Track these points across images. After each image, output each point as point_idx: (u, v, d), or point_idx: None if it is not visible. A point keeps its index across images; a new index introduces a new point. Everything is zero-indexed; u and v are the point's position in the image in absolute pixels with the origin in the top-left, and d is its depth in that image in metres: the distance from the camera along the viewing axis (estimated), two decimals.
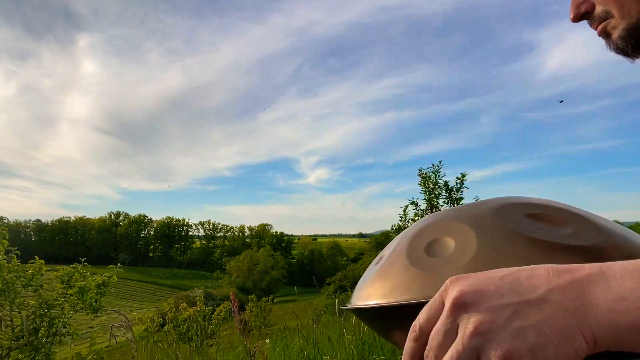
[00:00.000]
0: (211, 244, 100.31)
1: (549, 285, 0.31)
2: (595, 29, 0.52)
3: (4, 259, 4.02)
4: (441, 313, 0.34)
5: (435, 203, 9.23)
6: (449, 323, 0.33)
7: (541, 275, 0.32)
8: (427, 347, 0.34)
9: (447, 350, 0.32)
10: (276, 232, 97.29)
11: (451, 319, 0.32)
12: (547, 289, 0.31)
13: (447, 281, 0.34)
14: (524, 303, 0.31)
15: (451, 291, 0.33)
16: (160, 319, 8.54)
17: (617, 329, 0.29)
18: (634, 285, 0.29)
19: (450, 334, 0.32)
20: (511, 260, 0.44)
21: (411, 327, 0.36)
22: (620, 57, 0.52)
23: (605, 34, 0.51)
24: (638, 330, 0.28)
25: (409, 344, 0.36)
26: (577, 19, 0.53)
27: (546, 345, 0.29)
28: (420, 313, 0.35)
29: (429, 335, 0.34)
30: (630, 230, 0.50)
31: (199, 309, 7.91)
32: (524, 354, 0.29)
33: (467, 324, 0.31)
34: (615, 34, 0.50)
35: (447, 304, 0.33)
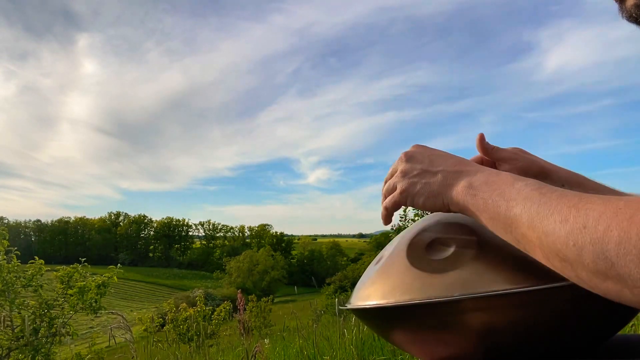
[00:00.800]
0: (211, 244, 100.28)
1: (445, 167, 0.50)
2: None
3: (4, 259, 4.02)
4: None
5: None
6: (395, 165, 0.56)
7: (448, 161, 0.51)
8: (385, 179, 0.58)
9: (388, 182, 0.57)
10: (276, 232, 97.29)
11: (397, 163, 0.56)
12: (442, 169, 0.50)
13: (413, 145, 0.57)
14: (426, 171, 0.51)
15: (408, 150, 0.56)
16: (160, 319, 8.54)
17: (458, 204, 0.48)
18: (481, 181, 0.46)
19: (395, 167, 0.56)
20: (512, 260, 0.45)
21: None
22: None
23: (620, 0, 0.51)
24: (465, 209, 0.47)
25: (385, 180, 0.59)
26: None
27: (421, 195, 0.51)
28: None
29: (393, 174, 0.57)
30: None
31: (199, 309, 7.91)
32: (409, 195, 0.52)
33: (400, 166, 0.54)
34: (630, 1, 0.49)
35: (402, 154, 0.56)
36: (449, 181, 0.49)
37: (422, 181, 0.51)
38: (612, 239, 0.32)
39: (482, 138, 0.63)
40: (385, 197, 0.57)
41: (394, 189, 0.54)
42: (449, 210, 0.49)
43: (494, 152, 0.63)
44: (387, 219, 0.56)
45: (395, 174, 0.55)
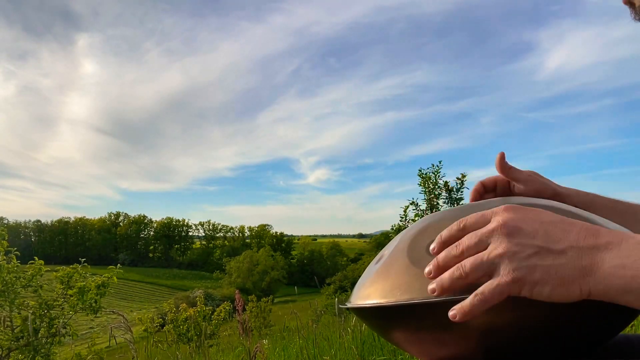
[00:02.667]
0: (211, 245, 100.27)
1: (572, 243, 0.38)
2: None
3: (4, 260, 4.01)
4: (484, 226, 0.43)
5: (435, 203, 9.23)
6: (485, 236, 0.42)
7: (571, 233, 0.39)
8: (461, 241, 0.44)
9: (472, 254, 0.42)
10: (276, 232, 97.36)
11: (488, 235, 0.42)
12: (569, 245, 0.38)
13: (503, 207, 0.43)
14: (546, 249, 0.39)
15: (501, 215, 0.42)
16: (160, 319, 8.53)
17: (610, 289, 0.36)
18: (637, 257, 0.36)
19: (482, 244, 0.42)
20: None
21: (459, 220, 0.45)
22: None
23: (629, 2, 0.52)
24: (624, 293, 0.36)
25: (451, 229, 0.46)
26: None
27: (546, 283, 0.38)
28: (473, 215, 0.45)
29: (467, 232, 0.44)
30: (626, 229, 0.50)
31: (199, 309, 7.91)
32: (526, 284, 0.39)
33: (498, 246, 0.40)
34: (638, 2, 0.50)
35: (493, 223, 0.42)
36: (586, 261, 0.37)
37: (544, 264, 0.38)
38: None
39: (502, 157, 0.62)
40: (466, 278, 0.42)
41: (488, 268, 0.41)
42: (587, 298, 0.38)
43: (511, 172, 0.63)
44: (477, 311, 0.40)
45: (490, 249, 0.41)
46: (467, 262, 0.42)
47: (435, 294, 0.43)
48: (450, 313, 0.41)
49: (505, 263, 0.39)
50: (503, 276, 0.39)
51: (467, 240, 0.43)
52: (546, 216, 0.41)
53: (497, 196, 0.66)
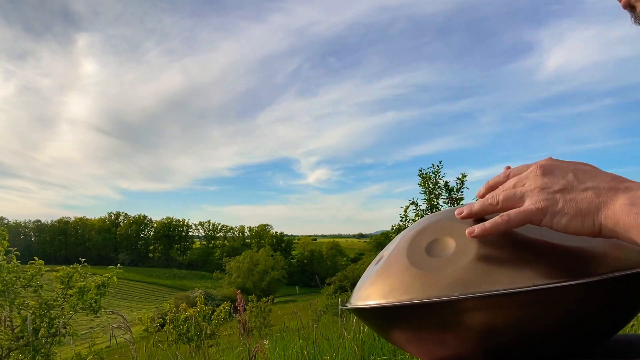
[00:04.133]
0: (211, 245, 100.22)
1: (595, 184, 0.43)
2: (620, 1, 0.52)
3: (4, 260, 4.01)
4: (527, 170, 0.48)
5: (435, 203, 9.23)
6: (524, 177, 0.47)
7: (598, 177, 0.44)
8: (503, 185, 0.49)
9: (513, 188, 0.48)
10: (276, 232, 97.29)
11: (525, 176, 0.47)
12: (592, 185, 0.43)
13: (547, 158, 0.48)
14: (571, 186, 0.44)
15: (540, 161, 0.48)
16: (160, 319, 8.53)
17: (618, 224, 0.40)
18: None
19: (520, 182, 0.47)
20: (512, 260, 0.45)
21: (503, 171, 0.52)
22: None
23: (630, 7, 0.52)
24: (630, 229, 0.39)
25: (498, 176, 0.51)
26: None
27: (565, 214, 0.43)
28: (516, 167, 0.50)
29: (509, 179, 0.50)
30: None
31: (199, 309, 7.91)
32: (548, 213, 0.44)
33: (532, 182, 0.46)
34: (639, 7, 0.50)
35: (531, 166, 0.48)
36: (602, 199, 0.42)
37: (567, 197, 0.43)
38: None
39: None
40: (497, 205, 0.47)
41: (519, 199, 0.46)
42: (598, 233, 0.42)
43: None
44: (497, 230, 0.46)
45: (525, 185, 0.47)
46: (502, 193, 0.48)
47: (461, 215, 0.50)
48: (469, 229, 0.47)
49: (534, 194, 0.45)
50: (530, 204, 0.45)
51: (509, 182, 0.49)
52: (580, 165, 0.47)
53: None
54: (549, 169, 0.46)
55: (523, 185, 0.47)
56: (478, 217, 0.49)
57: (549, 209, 0.43)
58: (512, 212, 0.45)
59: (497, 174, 0.64)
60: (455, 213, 0.51)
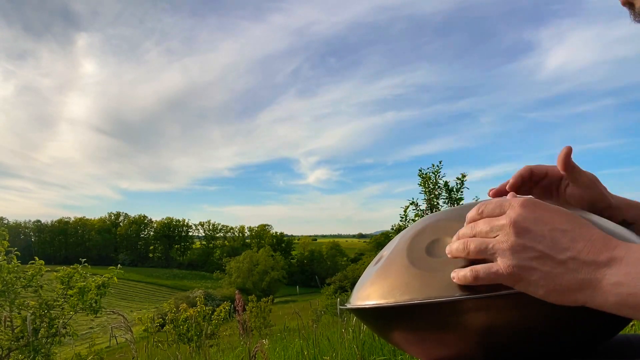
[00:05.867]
0: (211, 245, 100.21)
1: (574, 255, 0.39)
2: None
3: (4, 260, 4.01)
4: (499, 215, 0.44)
5: (435, 203, 9.23)
6: (496, 228, 0.43)
7: (578, 243, 0.40)
8: (476, 224, 0.46)
9: (481, 236, 0.44)
10: (276, 232, 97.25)
11: (498, 226, 0.43)
12: (571, 256, 0.39)
13: (521, 200, 0.43)
14: (548, 255, 0.40)
15: (515, 211, 0.43)
16: (160, 319, 8.53)
17: (605, 304, 0.38)
18: (636, 274, 0.36)
19: (492, 233, 0.43)
20: None
21: (479, 205, 0.47)
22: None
23: (628, 4, 0.52)
24: (620, 308, 0.37)
25: (472, 212, 0.47)
26: None
27: (541, 286, 0.40)
28: (492, 202, 0.46)
29: (482, 218, 0.46)
30: (628, 230, 0.50)
31: (199, 309, 7.91)
32: (522, 281, 0.40)
33: (505, 241, 0.42)
34: (638, 4, 0.50)
35: (505, 219, 0.43)
36: (584, 275, 0.38)
37: (543, 269, 0.39)
38: None
39: (569, 152, 0.55)
40: (468, 255, 0.45)
41: (492, 255, 0.43)
42: (580, 306, 0.40)
43: (574, 172, 0.56)
44: (466, 283, 0.43)
45: (497, 237, 0.43)
46: (473, 243, 0.44)
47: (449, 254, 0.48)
48: (454, 274, 0.45)
49: (507, 257, 0.41)
50: (501, 267, 0.41)
51: (481, 225, 0.45)
52: (559, 221, 0.41)
53: (539, 191, 0.60)
54: (524, 228, 0.41)
55: (495, 237, 0.43)
56: (476, 281, 0.44)
57: (522, 277, 0.40)
58: (481, 271, 0.42)
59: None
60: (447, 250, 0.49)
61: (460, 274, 0.43)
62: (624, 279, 0.37)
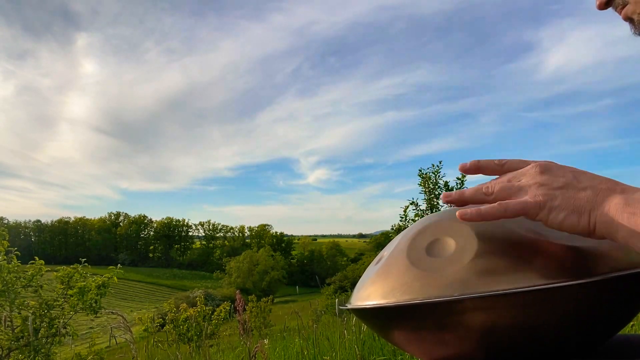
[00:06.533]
0: (211, 245, 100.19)
1: (595, 185, 0.44)
2: (620, 14, 0.53)
3: (4, 260, 4.02)
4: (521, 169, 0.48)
5: (435, 203, 9.23)
6: (520, 174, 0.47)
7: (596, 179, 0.44)
8: (503, 176, 0.49)
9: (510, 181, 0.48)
10: (276, 232, 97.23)
11: (522, 172, 0.47)
12: (591, 185, 0.44)
13: (545, 161, 0.48)
14: (570, 185, 0.44)
15: (541, 161, 0.48)
16: (160, 319, 8.53)
17: (611, 224, 0.41)
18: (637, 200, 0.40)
19: (516, 178, 0.48)
20: (512, 260, 0.44)
21: (501, 159, 0.51)
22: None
23: (629, 19, 0.53)
24: (621, 228, 0.40)
25: (491, 160, 0.51)
26: (602, 6, 0.54)
27: (562, 210, 0.43)
28: (514, 160, 0.50)
29: (506, 170, 0.50)
30: None
31: (199, 309, 7.91)
32: (546, 208, 0.44)
33: (530, 179, 0.46)
34: (637, 18, 0.51)
35: (529, 165, 0.48)
36: (599, 198, 0.42)
37: (565, 194, 0.44)
38: None
39: (464, 169, 0.53)
40: (492, 195, 0.47)
41: (516, 192, 0.46)
42: (591, 232, 0.43)
43: None
44: (491, 216, 0.45)
45: (522, 180, 0.47)
46: (497, 184, 0.48)
47: (449, 198, 0.50)
48: (461, 211, 0.46)
49: (533, 189, 0.45)
50: (529, 197, 0.45)
51: (502, 177, 0.48)
52: (578, 169, 0.47)
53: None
54: (548, 167, 0.46)
55: (520, 181, 0.47)
56: (467, 204, 0.49)
57: (547, 204, 0.44)
58: (510, 201, 0.45)
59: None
60: (442, 196, 0.51)
61: (482, 208, 0.45)
62: (631, 201, 0.40)
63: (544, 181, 0.45)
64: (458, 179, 9.32)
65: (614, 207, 0.41)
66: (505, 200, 0.46)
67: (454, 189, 9.26)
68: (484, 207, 0.45)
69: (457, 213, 0.47)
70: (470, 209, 0.46)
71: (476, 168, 0.52)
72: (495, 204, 0.45)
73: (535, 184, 0.45)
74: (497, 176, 0.51)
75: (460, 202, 0.50)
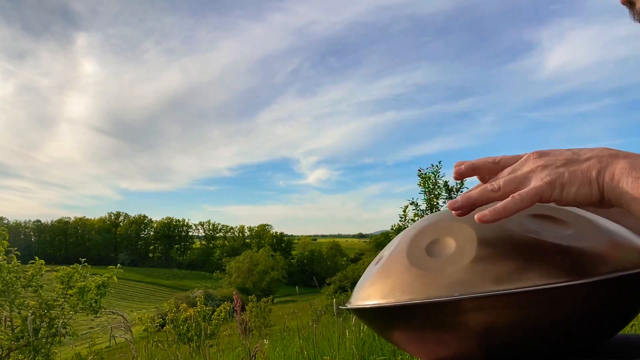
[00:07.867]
0: (211, 245, 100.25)
1: (597, 154, 0.44)
2: None
3: (4, 260, 4.02)
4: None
5: (435, 203, 9.24)
6: (519, 164, 0.47)
7: (596, 150, 0.44)
8: (498, 176, 0.48)
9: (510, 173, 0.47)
10: (276, 232, 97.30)
11: (521, 162, 0.47)
12: (593, 155, 0.44)
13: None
14: (572, 159, 0.44)
15: (535, 151, 0.47)
16: (160, 319, 8.54)
17: (617, 188, 0.41)
18: None
19: (517, 166, 0.47)
20: (512, 260, 0.44)
21: (494, 157, 0.51)
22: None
23: (629, 3, 0.52)
24: (629, 191, 0.40)
25: (485, 159, 0.51)
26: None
27: (572, 184, 0.43)
28: (508, 156, 0.50)
29: (501, 167, 0.49)
30: (630, 231, 0.50)
31: (199, 309, 7.91)
32: (557, 186, 0.43)
33: (532, 164, 0.46)
34: (639, 3, 0.50)
35: (525, 155, 0.48)
36: (604, 163, 0.43)
37: (571, 169, 0.44)
38: None
39: (458, 174, 0.54)
40: (499, 190, 0.46)
41: (521, 182, 0.45)
42: (603, 200, 0.43)
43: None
44: (508, 212, 0.43)
45: (523, 169, 0.46)
46: (500, 179, 0.47)
47: (456, 205, 0.47)
48: (479, 214, 0.44)
49: (538, 173, 0.45)
50: (537, 182, 0.44)
51: (502, 172, 0.48)
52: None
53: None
54: (545, 151, 0.47)
55: (522, 170, 0.46)
56: (476, 206, 0.47)
57: (556, 182, 0.43)
58: (521, 191, 0.44)
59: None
60: (448, 205, 0.49)
61: (498, 206, 0.44)
62: (635, 165, 0.41)
63: (546, 162, 0.45)
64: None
65: (620, 171, 0.41)
66: (515, 191, 0.45)
67: (454, 189, 9.28)
68: (499, 205, 0.44)
69: (475, 217, 0.44)
70: (487, 210, 0.44)
71: (472, 169, 0.51)
72: (509, 198, 0.44)
73: (538, 167, 0.45)
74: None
75: (468, 206, 0.47)
